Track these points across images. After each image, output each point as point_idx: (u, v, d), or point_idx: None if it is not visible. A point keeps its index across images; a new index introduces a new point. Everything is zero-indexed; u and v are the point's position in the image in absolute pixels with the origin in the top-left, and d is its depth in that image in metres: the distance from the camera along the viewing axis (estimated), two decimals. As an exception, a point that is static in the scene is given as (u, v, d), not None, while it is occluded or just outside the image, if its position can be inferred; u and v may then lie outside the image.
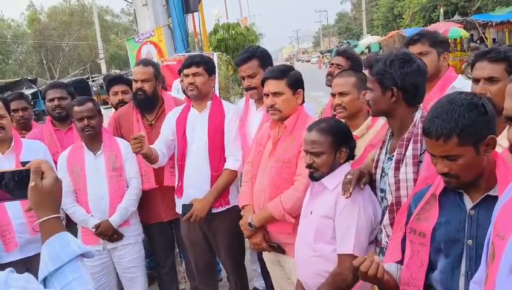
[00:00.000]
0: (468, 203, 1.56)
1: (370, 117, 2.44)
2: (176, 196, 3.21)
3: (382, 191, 2.06)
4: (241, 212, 2.82)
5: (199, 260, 3.31)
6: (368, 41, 30.84)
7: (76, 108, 3.05)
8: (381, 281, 1.65)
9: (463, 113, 1.45)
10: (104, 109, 4.02)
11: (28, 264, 2.82)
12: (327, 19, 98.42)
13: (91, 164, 3.10)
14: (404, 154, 1.90)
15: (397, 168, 1.92)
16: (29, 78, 21.47)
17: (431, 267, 1.63)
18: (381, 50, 23.06)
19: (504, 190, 1.30)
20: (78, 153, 3.12)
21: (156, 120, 3.38)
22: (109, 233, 3.07)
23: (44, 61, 42.32)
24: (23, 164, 2.05)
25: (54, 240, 1.18)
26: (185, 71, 3.12)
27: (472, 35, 21.88)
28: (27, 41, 43.45)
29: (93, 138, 3.10)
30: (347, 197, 2.01)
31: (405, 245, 1.73)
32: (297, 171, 2.50)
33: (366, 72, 2.50)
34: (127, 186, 3.16)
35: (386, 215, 1.96)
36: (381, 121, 2.40)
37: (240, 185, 3.01)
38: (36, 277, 1.10)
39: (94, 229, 3.05)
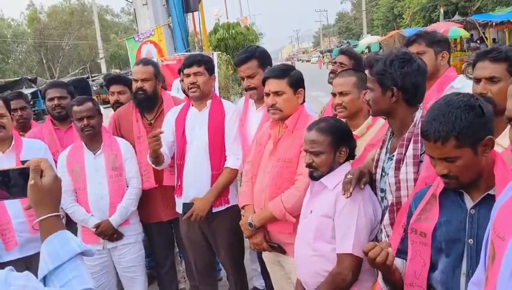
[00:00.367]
0: (469, 202, 1.56)
1: (370, 117, 2.44)
2: (175, 195, 3.20)
3: (382, 191, 2.06)
4: (241, 212, 2.82)
5: (199, 259, 3.31)
6: (368, 41, 30.79)
7: (75, 108, 3.04)
8: (389, 269, 1.65)
9: (460, 115, 1.46)
10: (104, 108, 4.02)
11: (28, 263, 2.82)
12: (327, 19, 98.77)
13: (91, 164, 3.09)
14: (405, 154, 1.90)
15: (397, 168, 1.92)
16: (29, 77, 21.48)
17: (432, 267, 1.62)
18: (381, 50, 23.00)
19: (502, 190, 1.30)
20: (78, 153, 3.12)
21: (155, 120, 3.37)
22: (109, 233, 3.07)
23: (44, 61, 42.31)
24: (24, 163, 2.05)
25: (53, 238, 1.18)
26: (186, 71, 3.10)
27: (472, 35, 21.86)
28: (27, 41, 43.45)
29: (92, 138, 3.10)
30: (347, 197, 2.01)
31: (404, 245, 1.73)
32: (298, 171, 2.50)
33: (366, 71, 2.50)
34: (127, 186, 3.16)
35: (386, 215, 1.95)
36: (382, 120, 2.40)
37: (240, 185, 3.01)
38: (36, 275, 1.10)
39: (94, 229, 3.05)
